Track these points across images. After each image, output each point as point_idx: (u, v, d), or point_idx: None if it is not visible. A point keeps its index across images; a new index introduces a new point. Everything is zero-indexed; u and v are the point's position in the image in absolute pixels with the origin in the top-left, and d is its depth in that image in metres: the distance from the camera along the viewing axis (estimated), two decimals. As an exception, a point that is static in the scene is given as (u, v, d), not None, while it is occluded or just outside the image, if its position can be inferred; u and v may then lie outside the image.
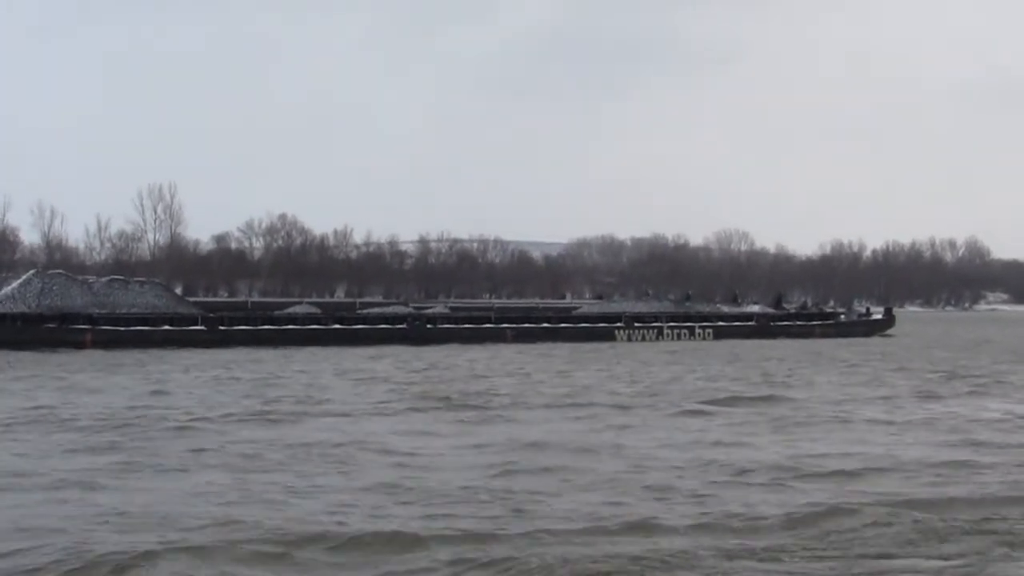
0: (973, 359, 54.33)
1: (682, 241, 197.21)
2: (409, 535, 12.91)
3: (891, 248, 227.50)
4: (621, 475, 17.50)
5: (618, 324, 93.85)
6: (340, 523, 13.69)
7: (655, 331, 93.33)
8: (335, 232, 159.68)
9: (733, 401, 30.31)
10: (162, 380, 39.49)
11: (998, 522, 13.56)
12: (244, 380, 39.47)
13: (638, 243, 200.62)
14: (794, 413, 27.28)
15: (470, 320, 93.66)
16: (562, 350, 70.81)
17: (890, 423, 25.15)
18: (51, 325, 76.77)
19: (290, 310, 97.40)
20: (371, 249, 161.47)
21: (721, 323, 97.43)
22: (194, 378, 41.11)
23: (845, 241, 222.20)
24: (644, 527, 13.42)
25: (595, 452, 20.17)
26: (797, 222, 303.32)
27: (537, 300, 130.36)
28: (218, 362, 54.92)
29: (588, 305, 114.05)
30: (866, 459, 19.09)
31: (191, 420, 25.57)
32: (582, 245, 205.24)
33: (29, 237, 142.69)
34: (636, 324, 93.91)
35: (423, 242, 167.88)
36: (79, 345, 72.35)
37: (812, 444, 21.33)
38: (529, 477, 17.34)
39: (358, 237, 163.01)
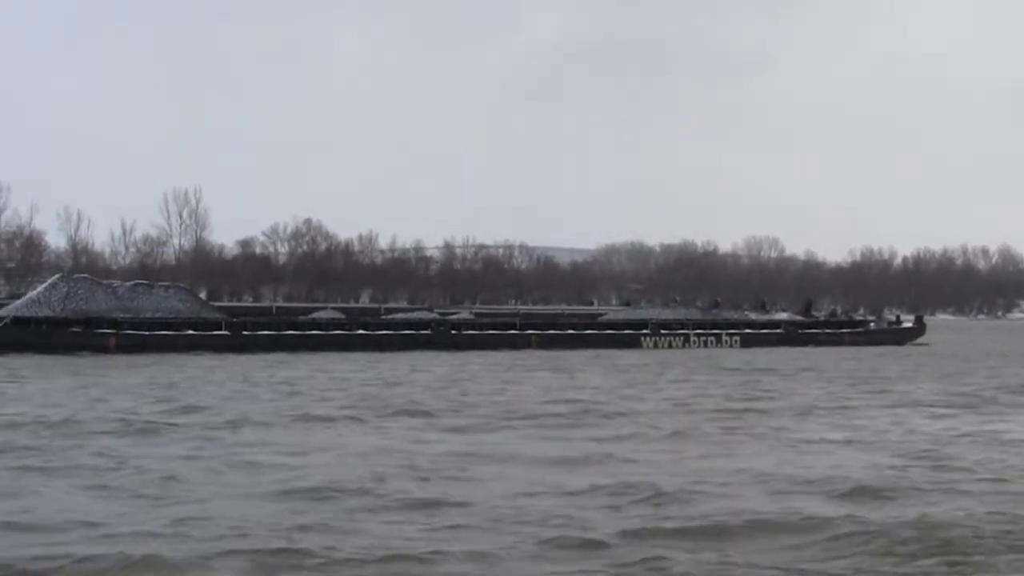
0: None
1: (711, 247, 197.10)
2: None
3: (922, 255, 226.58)
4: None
5: (644, 331, 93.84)
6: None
7: (682, 338, 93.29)
8: (360, 237, 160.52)
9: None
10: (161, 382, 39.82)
11: None
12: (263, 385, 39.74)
13: (667, 249, 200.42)
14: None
15: (495, 326, 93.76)
16: (581, 357, 70.90)
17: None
18: (75, 329, 77.34)
19: (314, 315, 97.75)
20: (396, 254, 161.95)
21: (748, 330, 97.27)
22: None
23: (875, 248, 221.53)
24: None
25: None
26: (827, 229, 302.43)
27: (563, 306, 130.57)
28: (230, 366, 55.23)
29: (614, 312, 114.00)
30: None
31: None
32: (610, 251, 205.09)
33: (55, 241, 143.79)
34: (662, 331, 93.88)
35: (448, 248, 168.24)
36: (103, 349, 72.89)
37: None
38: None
39: (383, 242, 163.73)
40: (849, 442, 23.02)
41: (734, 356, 73.37)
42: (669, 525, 14.07)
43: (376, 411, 29.10)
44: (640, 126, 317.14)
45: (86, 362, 61.83)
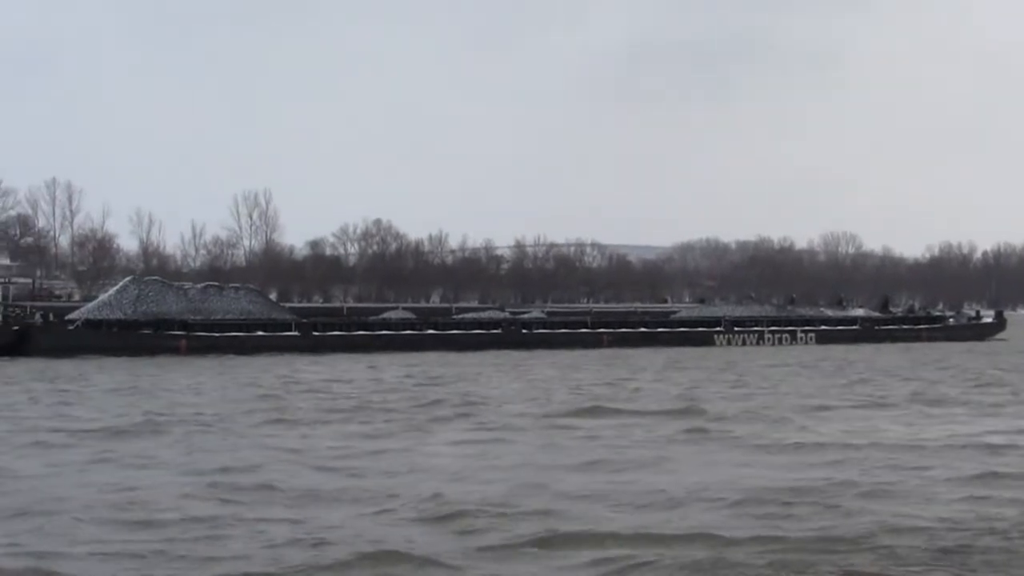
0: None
1: (787, 244, 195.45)
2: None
3: (1002, 249, 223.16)
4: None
5: (717, 328, 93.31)
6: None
7: (755, 335, 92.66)
8: (430, 237, 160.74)
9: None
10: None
11: None
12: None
13: (743, 246, 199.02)
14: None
15: (566, 325, 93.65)
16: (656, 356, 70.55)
17: None
18: (146, 331, 78.10)
19: (385, 315, 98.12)
20: (466, 254, 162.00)
21: (824, 327, 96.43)
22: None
23: (954, 243, 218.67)
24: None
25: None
26: (905, 224, 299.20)
27: (636, 305, 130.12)
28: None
29: (687, 309, 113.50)
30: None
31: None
32: (685, 248, 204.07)
33: (128, 244, 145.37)
34: (736, 328, 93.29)
35: (519, 247, 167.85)
36: (174, 351, 73.53)
37: None
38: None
39: (453, 242, 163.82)
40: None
41: (820, 353, 72.52)
42: None
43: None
44: (713, 123, 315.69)
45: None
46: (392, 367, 56.21)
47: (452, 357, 68.98)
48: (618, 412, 30.79)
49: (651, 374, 49.84)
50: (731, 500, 16.57)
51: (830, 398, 35.18)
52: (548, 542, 13.92)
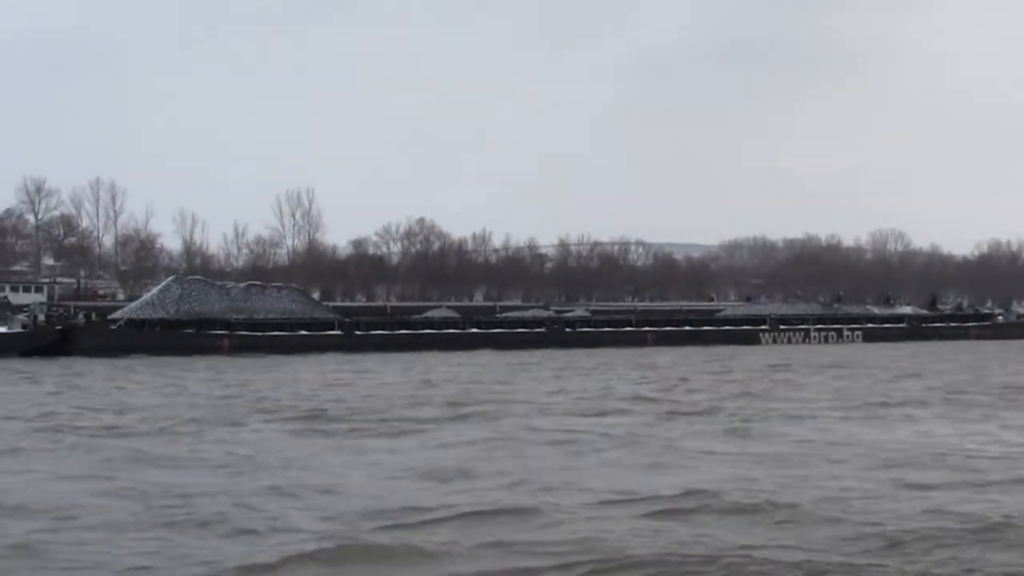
0: None
1: (835, 241, 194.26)
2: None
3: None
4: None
5: (763, 327, 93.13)
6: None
7: (801, 333, 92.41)
8: (473, 236, 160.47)
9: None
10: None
11: None
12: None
13: (790, 244, 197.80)
14: None
15: (610, 323, 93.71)
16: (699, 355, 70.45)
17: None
18: (189, 331, 78.67)
19: (428, 314, 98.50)
20: (510, 253, 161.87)
21: (871, 325, 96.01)
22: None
23: (1003, 240, 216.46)
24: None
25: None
26: (954, 221, 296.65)
27: (682, 303, 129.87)
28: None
29: (732, 307, 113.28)
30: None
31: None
32: (733, 247, 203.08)
33: (171, 243, 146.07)
34: (781, 326, 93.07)
35: (563, 245, 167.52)
36: (216, 350, 73.96)
37: None
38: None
39: (497, 241, 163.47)
40: None
41: (870, 353, 72.29)
42: None
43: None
44: (761, 122, 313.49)
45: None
46: (402, 367, 56.35)
47: (486, 357, 69.18)
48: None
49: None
50: None
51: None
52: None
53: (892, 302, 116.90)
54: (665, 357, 65.11)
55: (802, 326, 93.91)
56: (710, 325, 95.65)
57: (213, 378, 49.44)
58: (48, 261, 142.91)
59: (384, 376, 49.81)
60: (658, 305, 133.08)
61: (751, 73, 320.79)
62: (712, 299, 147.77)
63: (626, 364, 58.64)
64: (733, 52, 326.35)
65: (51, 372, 55.78)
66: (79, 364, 61.76)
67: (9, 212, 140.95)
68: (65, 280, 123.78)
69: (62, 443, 25.87)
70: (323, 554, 13.53)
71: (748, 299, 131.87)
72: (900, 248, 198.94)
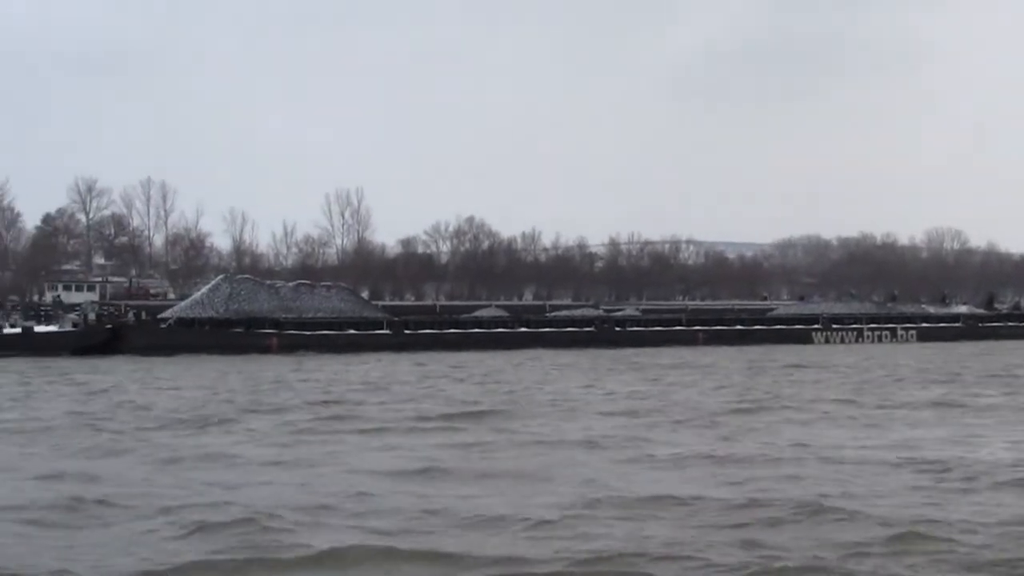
0: None
1: (891, 240, 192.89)
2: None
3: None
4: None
5: (815, 326, 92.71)
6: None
7: (854, 333, 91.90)
8: (523, 235, 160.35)
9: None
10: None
11: None
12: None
13: (844, 243, 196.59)
14: None
15: (660, 323, 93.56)
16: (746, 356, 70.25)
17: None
18: (238, 330, 79.22)
19: (477, 313, 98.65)
20: (559, 252, 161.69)
21: (925, 324, 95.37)
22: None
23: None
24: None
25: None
26: (1012, 219, 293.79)
27: (734, 302, 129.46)
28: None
29: (784, 306, 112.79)
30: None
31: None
32: (786, 245, 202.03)
33: (221, 243, 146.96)
34: (834, 326, 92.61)
35: (613, 244, 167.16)
36: (264, 349, 74.44)
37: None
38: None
39: (546, 240, 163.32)
40: None
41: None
42: None
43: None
44: (815, 120, 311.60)
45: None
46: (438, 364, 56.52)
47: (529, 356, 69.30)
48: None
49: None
50: None
51: None
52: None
53: (948, 301, 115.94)
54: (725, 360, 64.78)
55: (855, 325, 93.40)
56: (762, 324, 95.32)
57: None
58: (99, 260, 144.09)
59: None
60: (709, 304, 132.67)
61: (804, 72, 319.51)
62: (765, 298, 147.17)
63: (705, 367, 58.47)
64: (784, 51, 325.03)
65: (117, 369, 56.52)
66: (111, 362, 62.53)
67: (61, 212, 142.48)
68: (116, 279, 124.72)
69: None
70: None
71: (801, 298, 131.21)
72: (956, 247, 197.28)
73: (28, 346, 71.94)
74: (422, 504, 17.26)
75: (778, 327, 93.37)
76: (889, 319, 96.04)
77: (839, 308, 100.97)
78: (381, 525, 15.72)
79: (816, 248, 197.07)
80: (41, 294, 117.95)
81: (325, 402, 36.39)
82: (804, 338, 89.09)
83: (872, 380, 46.31)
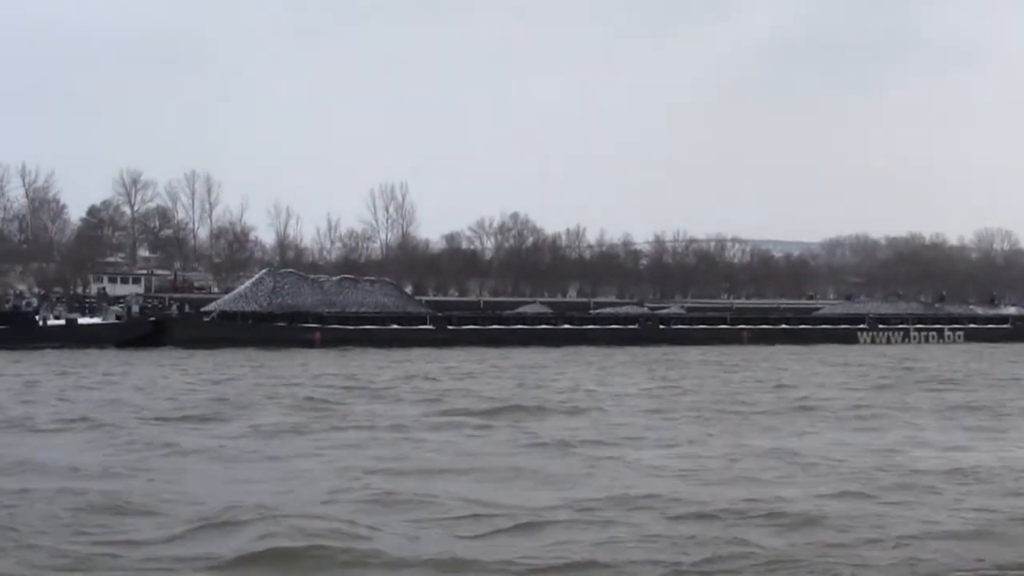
0: None
1: (940, 240, 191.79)
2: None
3: None
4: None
5: (861, 326, 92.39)
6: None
7: (900, 333, 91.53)
8: (567, 231, 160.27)
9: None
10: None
11: None
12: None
13: (893, 242, 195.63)
14: None
15: (705, 321, 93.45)
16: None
17: None
18: (281, 324, 79.66)
19: (521, 310, 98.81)
20: (604, 249, 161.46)
21: (973, 325, 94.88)
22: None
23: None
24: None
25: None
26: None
27: (780, 301, 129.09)
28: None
29: (831, 306, 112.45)
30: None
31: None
32: (834, 244, 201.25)
33: (265, 236, 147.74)
34: (880, 326, 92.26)
35: (658, 242, 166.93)
36: (308, 344, 74.77)
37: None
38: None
39: (591, 237, 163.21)
40: None
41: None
42: None
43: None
44: (862, 119, 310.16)
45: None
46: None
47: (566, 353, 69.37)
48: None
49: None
50: None
51: None
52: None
53: (997, 302, 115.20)
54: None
55: (902, 326, 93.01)
56: (807, 323, 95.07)
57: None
58: (143, 253, 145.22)
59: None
60: (755, 303, 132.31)
61: (852, 69, 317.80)
62: (812, 297, 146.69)
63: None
64: (830, 47, 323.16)
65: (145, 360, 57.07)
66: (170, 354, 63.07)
67: (106, 204, 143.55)
68: (161, 272, 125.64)
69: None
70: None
71: (848, 298, 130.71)
72: (1007, 247, 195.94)
73: (72, 338, 72.59)
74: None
75: (824, 326, 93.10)
76: (936, 320, 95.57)
77: (886, 308, 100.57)
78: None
79: (864, 247, 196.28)
80: (86, 286, 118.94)
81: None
82: (850, 338, 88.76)
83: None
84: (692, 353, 69.31)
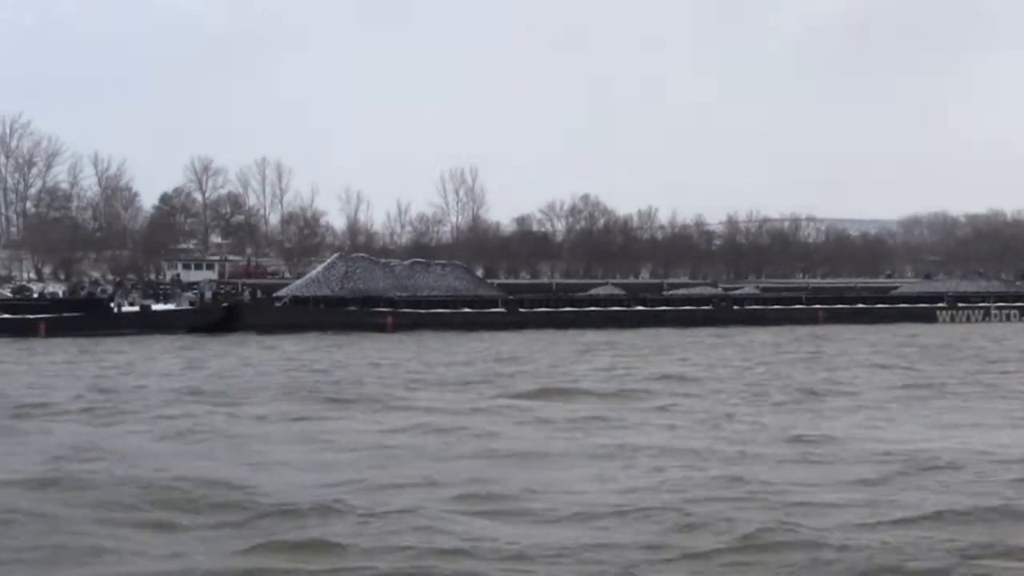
0: None
1: (1021, 216, 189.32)
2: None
3: None
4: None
5: (940, 304, 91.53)
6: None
7: (981, 312, 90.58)
8: (639, 213, 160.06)
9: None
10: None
11: None
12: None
13: (972, 219, 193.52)
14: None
15: (779, 301, 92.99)
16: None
17: None
18: (352, 308, 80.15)
19: (593, 292, 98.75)
20: (676, 230, 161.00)
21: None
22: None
23: None
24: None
25: None
26: None
27: (857, 280, 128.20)
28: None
29: (908, 285, 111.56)
30: None
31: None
32: (912, 222, 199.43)
33: (336, 221, 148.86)
34: (960, 304, 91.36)
35: (731, 222, 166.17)
36: (380, 328, 75.13)
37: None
38: None
39: (663, 218, 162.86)
40: None
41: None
42: None
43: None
44: (941, 94, 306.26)
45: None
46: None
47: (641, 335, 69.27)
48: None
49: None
50: None
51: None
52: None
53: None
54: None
55: (982, 304, 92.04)
56: (885, 302, 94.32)
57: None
58: (215, 239, 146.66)
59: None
60: (830, 282, 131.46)
61: (926, 45, 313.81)
62: (890, 276, 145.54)
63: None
64: (910, 23, 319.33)
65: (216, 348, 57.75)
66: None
67: (178, 191, 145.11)
68: (233, 258, 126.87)
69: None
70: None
71: (927, 276, 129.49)
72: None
73: (146, 324, 73.40)
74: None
75: (901, 305, 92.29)
76: (1017, 297, 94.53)
77: (965, 286, 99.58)
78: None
79: (943, 225, 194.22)
80: (159, 272, 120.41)
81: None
82: (928, 316, 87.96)
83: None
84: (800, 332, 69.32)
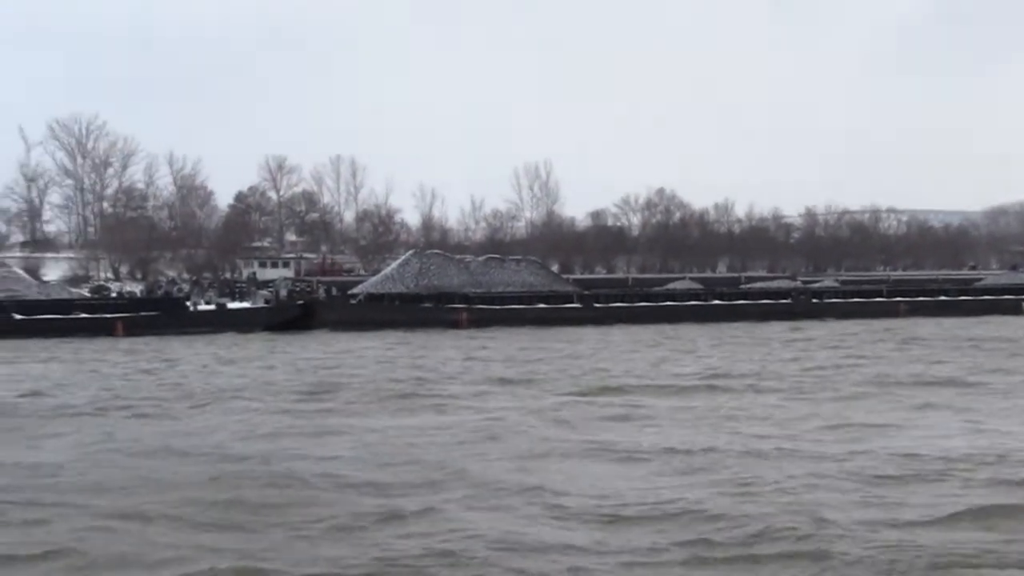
0: None
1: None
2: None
3: None
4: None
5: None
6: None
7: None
8: (715, 206, 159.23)
9: None
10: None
11: None
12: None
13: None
14: None
15: (859, 294, 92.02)
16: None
17: None
18: (427, 305, 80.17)
19: (670, 286, 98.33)
20: (753, 223, 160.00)
21: None
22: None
23: None
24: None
25: None
26: None
27: (941, 273, 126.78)
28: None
29: (994, 276, 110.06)
30: None
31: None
32: (997, 213, 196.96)
33: (410, 218, 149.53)
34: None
35: (809, 214, 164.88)
36: (454, 324, 75.04)
37: None
38: None
39: (740, 211, 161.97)
40: None
41: None
42: None
43: None
44: (1018, 83, 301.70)
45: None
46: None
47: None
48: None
49: None
50: None
51: None
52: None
53: None
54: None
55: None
56: (968, 295, 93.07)
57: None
58: (290, 237, 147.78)
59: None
60: (912, 274, 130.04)
61: (1007, 34, 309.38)
62: (974, 267, 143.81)
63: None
64: (995, 11, 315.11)
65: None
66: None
67: (253, 189, 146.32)
68: (308, 255, 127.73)
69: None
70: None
71: (1013, 267, 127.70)
72: None
73: (222, 322, 73.83)
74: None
75: (986, 298, 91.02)
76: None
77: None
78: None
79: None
80: (234, 271, 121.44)
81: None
82: (1015, 309, 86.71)
83: None
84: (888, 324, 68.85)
